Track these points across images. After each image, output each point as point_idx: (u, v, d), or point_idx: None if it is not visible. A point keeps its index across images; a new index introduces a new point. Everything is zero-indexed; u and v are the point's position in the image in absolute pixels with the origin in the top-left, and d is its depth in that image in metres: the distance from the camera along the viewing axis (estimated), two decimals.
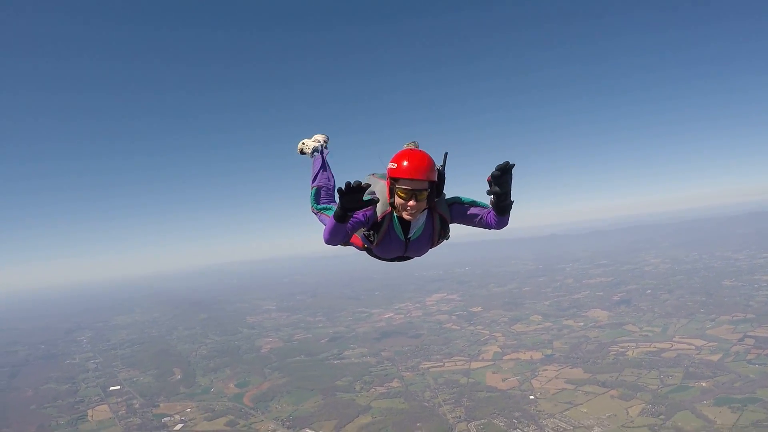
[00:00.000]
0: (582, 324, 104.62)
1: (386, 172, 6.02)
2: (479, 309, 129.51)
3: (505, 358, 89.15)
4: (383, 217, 6.21)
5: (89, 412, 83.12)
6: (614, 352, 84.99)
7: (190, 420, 76.01)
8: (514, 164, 5.41)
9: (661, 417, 60.20)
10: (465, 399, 71.99)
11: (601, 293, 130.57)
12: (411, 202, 5.81)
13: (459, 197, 6.55)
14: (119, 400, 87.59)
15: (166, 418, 77.26)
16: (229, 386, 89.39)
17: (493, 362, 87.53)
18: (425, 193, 5.84)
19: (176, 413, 79.03)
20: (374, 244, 6.43)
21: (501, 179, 5.46)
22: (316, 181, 8.11)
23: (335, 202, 7.53)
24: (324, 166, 8.37)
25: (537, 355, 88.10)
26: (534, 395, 70.84)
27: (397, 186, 5.84)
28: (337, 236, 5.91)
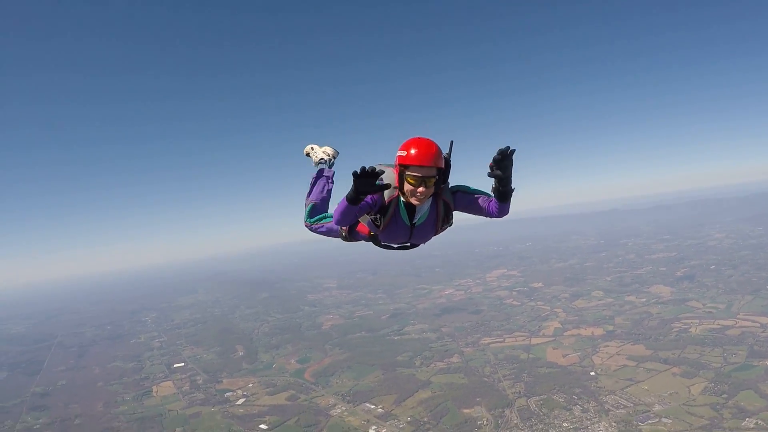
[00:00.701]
0: (644, 300, 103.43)
1: (396, 160, 6.31)
2: (540, 285, 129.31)
3: (565, 333, 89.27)
4: (389, 202, 6.54)
5: (154, 388, 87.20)
6: (677, 329, 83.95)
7: (252, 395, 78.92)
8: (514, 149, 5.68)
9: (724, 396, 59.58)
10: (525, 374, 72.60)
11: (664, 269, 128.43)
12: (420, 189, 6.14)
13: (463, 185, 6.85)
14: (183, 376, 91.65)
15: (228, 393, 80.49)
16: (291, 362, 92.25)
17: (553, 338, 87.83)
18: (433, 180, 6.17)
19: (239, 388, 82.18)
20: (380, 228, 6.73)
21: (502, 163, 5.73)
22: (312, 197, 8.45)
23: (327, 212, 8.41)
24: (322, 181, 8.61)
25: (598, 331, 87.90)
26: (595, 371, 70.91)
27: (407, 173, 6.15)
28: (347, 217, 6.27)
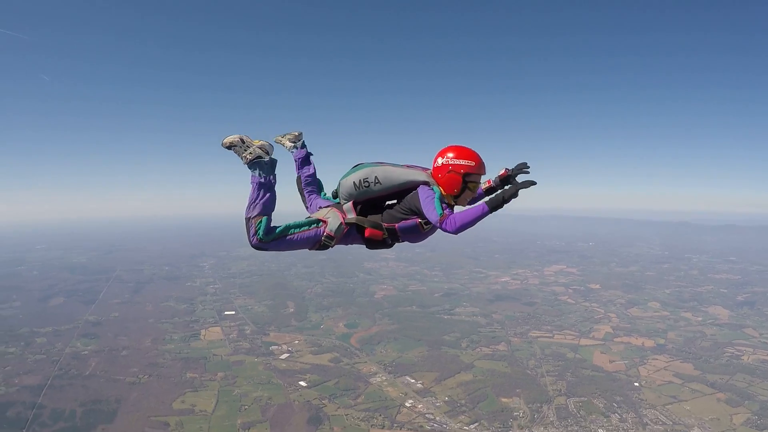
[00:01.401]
0: (700, 319, 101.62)
1: (449, 167, 6.83)
2: (597, 286, 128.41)
3: (615, 339, 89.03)
4: None
5: (202, 331, 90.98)
6: (729, 354, 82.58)
7: (296, 351, 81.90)
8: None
9: (766, 431, 59.07)
10: (569, 374, 73.28)
11: (726, 290, 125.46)
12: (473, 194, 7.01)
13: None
14: (232, 324, 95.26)
15: (273, 347, 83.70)
16: (339, 325, 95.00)
17: (603, 342, 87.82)
18: None
19: (284, 343, 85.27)
20: (423, 231, 7.18)
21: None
22: (259, 209, 6.98)
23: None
24: (267, 188, 7.09)
25: (649, 343, 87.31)
26: (639, 383, 70.87)
27: (469, 180, 6.82)
28: (469, 227, 6.47)
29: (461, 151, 6.86)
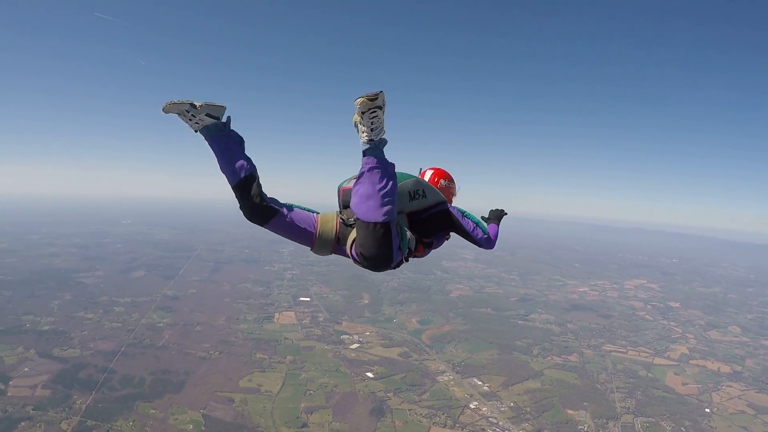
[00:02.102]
0: None
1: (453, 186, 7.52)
2: (677, 305, 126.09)
3: (691, 362, 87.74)
4: None
5: (276, 315, 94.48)
6: None
7: (366, 343, 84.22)
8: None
9: None
10: (639, 392, 72.92)
11: None
12: None
13: None
14: (306, 310, 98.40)
15: (344, 336, 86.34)
16: (412, 321, 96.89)
17: (677, 363, 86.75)
18: None
19: (356, 334, 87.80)
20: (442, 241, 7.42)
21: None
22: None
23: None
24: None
25: (725, 368, 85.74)
26: (710, 409, 69.96)
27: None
28: None
29: (449, 177, 7.47)
